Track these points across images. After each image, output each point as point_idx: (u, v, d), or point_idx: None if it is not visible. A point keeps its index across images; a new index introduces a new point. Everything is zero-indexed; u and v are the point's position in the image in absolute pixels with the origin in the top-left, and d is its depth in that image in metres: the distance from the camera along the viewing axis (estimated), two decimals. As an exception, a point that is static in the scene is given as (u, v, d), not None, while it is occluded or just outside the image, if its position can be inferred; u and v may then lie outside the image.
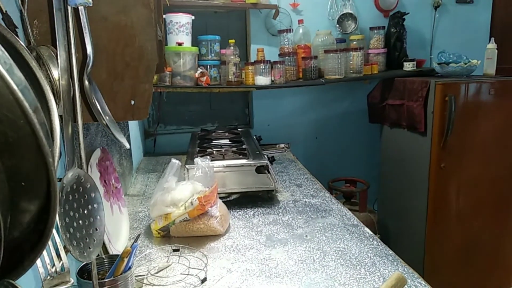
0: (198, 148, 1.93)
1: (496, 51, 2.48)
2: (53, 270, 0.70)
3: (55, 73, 0.75)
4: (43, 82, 0.64)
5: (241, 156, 1.76)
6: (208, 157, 1.63)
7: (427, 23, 2.97)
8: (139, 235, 1.26)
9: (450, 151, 2.30)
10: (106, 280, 0.88)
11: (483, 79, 2.37)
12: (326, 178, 2.66)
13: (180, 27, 2.23)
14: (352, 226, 1.40)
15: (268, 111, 2.84)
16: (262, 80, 2.39)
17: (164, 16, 2.03)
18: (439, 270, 2.41)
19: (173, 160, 1.42)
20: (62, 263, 0.71)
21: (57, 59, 0.74)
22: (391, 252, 1.21)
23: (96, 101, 0.83)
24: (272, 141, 2.59)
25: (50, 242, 0.65)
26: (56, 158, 0.65)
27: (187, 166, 1.60)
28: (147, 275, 1.10)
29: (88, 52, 0.81)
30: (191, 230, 1.33)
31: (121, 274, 0.90)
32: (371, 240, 1.29)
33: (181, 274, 1.11)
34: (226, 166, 1.64)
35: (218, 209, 1.36)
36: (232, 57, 2.37)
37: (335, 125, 2.96)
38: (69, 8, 0.76)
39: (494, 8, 3.03)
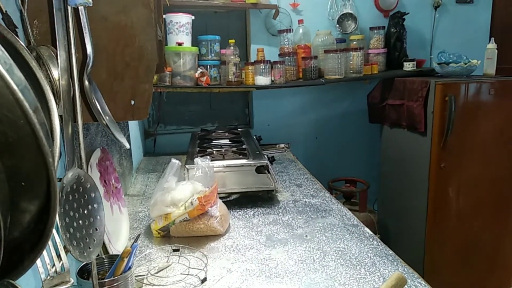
0: (198, 148, 1.93)
1: (496, 51, 2.48)
2: (53, 270, 0.70)
3: (55, 73, 0.75)
4: (43, 82, 0.64)
5: (241, 156, 1.76)
6: (208, 157, 1.63)
7: (427, 23, 2.97)
8: (139, 235, 1.26)
9: (450, 151, 2.30)
10: (106, 280, 0.88)
11: (483, 79, 2.37)
12: (326, 178, 2.66)
13: (180, 27, 2.23)
14: (352, 226, 1.40)
15: (268, 111, 2.84)
16: (262, 80, 2.39)
17: (164, 16, 2.03)
18: (439, 270, 2.41)
19: (173, 160, 1.42)
20: (62, 263, 0.71)
21: (57, 59, 0.74)
22: (391, 252, 1.21)
23: (96, 101, 0.83)
24: (272, 141, 2.59)
25: (50, 242, 0.65)
26: (56, 158, 0.65)
27: (187, 166, 1.60)
28: (147, 275, 1.10)
29: (88, 52, 0.81)
30: (191, 230, 1.33)
31: (121, 274, 0.90)
32: (371, 240, 1.29)
33: (181, 274, 1.11)
34: (226, 166, 1.64)
35: (218, 209, 1.36)
36: (232, 57, 2.37)
37: (335, 125, 2.96)
38: (69, 8, 0.76)
39: (494, 8, 3.03)
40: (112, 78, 0.89)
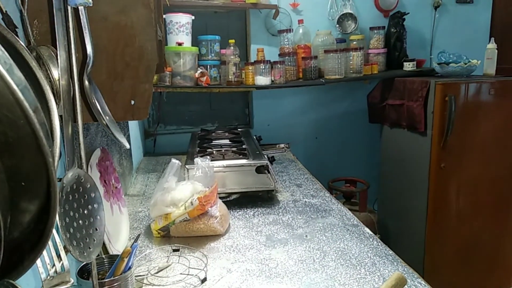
0: (198, 148, 1.93)
1: (496, 51, 2.48)
2: (53, 270, 0.70)
3: (55, 73, 0.75)
4: (43, 82, 0.64)
5: (241, 156, 1.76)
6: (208, 157, 1.63)
7: (427, 23, 2.97)
8: (139, 235, 1.26)
9: (450, 151, 2.30)
10: (106, 280, 0.88)
11: (483, 79, 2.37)
12: (326, 178, 2.66)
13: (180, 27, 2.23)
14: (352, 226, 1.40)
15: (268, 111, 2.84)
16: (262, 80, 2.39)
17: (164, 16, 2.03)
18: (439, 270, 2.41)
19: (173, 160, 1.42)
20: (62, 263, 0.71)
21: (57, 59, 0.74)
22: (391, 252, 1.21)
23: (96, 101, 0.83)
24: (272, 141, 2.59)
25: (50, 242, 0.65)
26: (56, 158, 0.65)
27: (187, 166, 1.60)
28: (147, 275, 1.10)
29: (88, 52, 0.81)
30: (191, 230, 1.33)
31: (121, 274, 0.90)
32: (371, 240, 1.29)
33: (181, 274, 1.11)
34: (226, 166, 1.64)
35: (218, 209, 1.36)
36: (232, 57, 2.37)
37: (335, 125, 2.96)
38: (69, 8, 0.76)
39: (494, 8, 3.03)
40: (112, 78, 0.89)
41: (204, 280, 1.07)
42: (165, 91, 2.56)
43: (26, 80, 0.45)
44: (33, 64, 0.63)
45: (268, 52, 2.60)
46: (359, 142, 3.01)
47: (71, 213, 0.68)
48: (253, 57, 2.67)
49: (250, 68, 2.40)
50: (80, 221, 0.69)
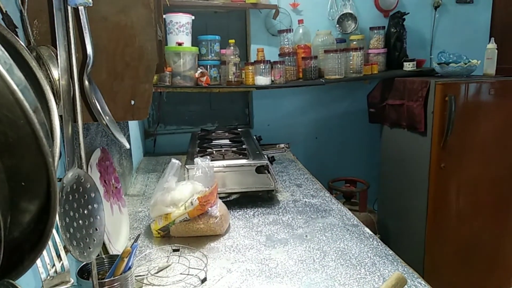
0: (198, 148, 1.93)
1: (496, 51, 2.48)
2: (53, 270, 0.70)
3: (55, 73, 0.75)
4: (43, 82, 0.64)
5: (241, 156, 1.76)
6: (208, 157, 1.63)
7: (427, 23, 2.97)
8: (139, 235, 1.26)
9: (450, 151, 2.30)
10: (106, 280, 0.88)
11: (483, 79, 2.37)
12: (326, 178, 2.66)
13: (180, 27, 2.23)
14: (352, 226, 1.40)
15: (268, 111, 2.84)
16: (262, 80, 2.39)
17: (164, 16, 2.03)
18: (439, 270, 2.41)
19: (173, 160, 1.42)
20: (62, 263, 0.71)
21: (57, 59, 0.74)
22: (391, 252, 1.21)
23: (96, 101, 0.83)
24: (272, 141, 2.59)
25: (50, 242, 0.65)
26: (56, 158, 0.65)
27: (187, 166, 1.60)
28: (147, 275, 1.10)
29: (88, 52, 0.81)
30: (191, 230, 1.33)
31: (121, 274, 0.90)
32: (371, 240, 1.29)
33: (181, 274, 1.11)
34: (226, 166, 1.64)
35: (218, 209, 1.36)
36: (232, 57, 2.37)
37: (335, 125, 2.96)
38: (69, 8, 0.76)
39: (494, 8, 3.03)
40: (112, 78, 0.89)
41: (204, 280, 1.07)
42: (165, 91, 2.56)
43: (26, 80, 0.45)
44: (33, 64, 0.63)
45: (268, 52, 2.60)
46: (359, 142, 3.01)
47: (71, 213, 0.68)
48: (253, 57, 2.67)
49: (250, 68, 2.40)
50: (80, 221, 0.69)
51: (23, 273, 0.48)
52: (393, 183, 2.72)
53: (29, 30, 0.80)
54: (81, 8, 0.78)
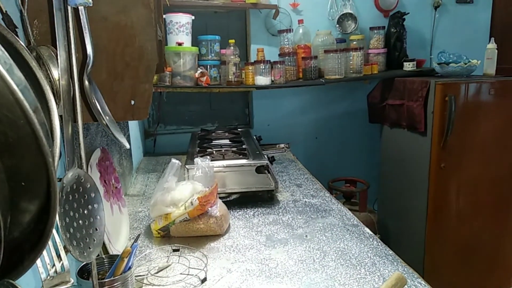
0: (198, 148, 1.93)
1: (496, 51, 2.48)
2: (53, 270, 0.70)
3: (55, 73, 0.75)
4: (43, 82, 0.64)
5: (241, 156, 1.76)
6: (208, 157, 1.63)
7: (427, 23, 2.97)
8: (139, 235, 1.26)
9: (450, 151, 2.30)
10: (106, 280, 0.88)
11: (483, 79, 2.37)
12: (326, 178, 2.66)
13: (180, 27, 2.23)
14: (352, 226, 1.40)
15: (268, 111, 2.84)
16: (262, 80, 2.39)
17: (164, 16, 2.03)
18: (439, 270, 2.41)
19: (173, 160, 1.42)
20: (62, 263, 0.71)
21: (57, 59, 0.75)
22: (391, 252, 1.21)
23: (96, 101, 0.83)
24: (272, 141, 2.59)
25: (50, 242, 0.65)
26: (56, 158, 0.65)
27: (187, 166, 1.60)
28: (147, 275, 1.10)
29: (88, 52, 0.81)
30: (191, 230, 1.33)
31: (121, 274, 0.90)
32: (371, 240, 1.29)
33: (181, 274, 1.11)
34: (226, 166, 1.64)
35: (218, 209, 1.36)
36: (232, 57, 2.37)
37: (335, 125, 2.96)
38: (69, 8, 0.76)
39: (494, 8, 3.03)
40: (112, 78, 0.89)
41: (204, 280, 1.07)
42: (165, 91, 2.56)
43: (26, 80, 0.45)
44: (33, 64, 0.63)
45: (268, 52, 2.60)
46: (359, 142, 3.01)
47: (71, 213, 0.68)
48: (253, 57, 2.67)
49: (250, 68, 2.40)
50: (80, 221, 0.69)
51: (23, 273, 0.48)
52: (393, 183, 2.72)
53: (29, 30, 0.80)
54: (81, 8, 0.78)
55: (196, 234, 1.34)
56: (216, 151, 1.86)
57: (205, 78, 2.31)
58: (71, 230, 0.67)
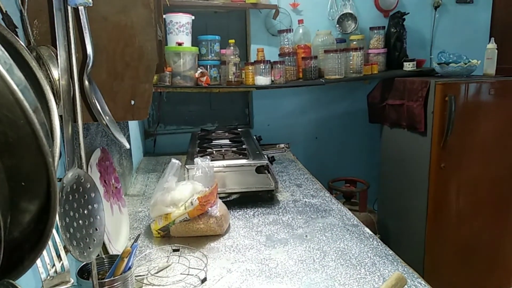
0: (198, 148, 1.93)
1: (496, 51, 2.48)
2: (53, 270, 0.70)
3: (55, 73, 0.75)
4: (43, 82, 0.64)
5: (241, 156, 1.76)
6: (208, 157, 1.63)
7: (427, 23, 2.97)
8: (139, 235, 1.26)
9: (450, 151, 2.30)
10: (106, 280, 0.88)
11: (483, 79, 2.37)
12: (326, 178, 2.66)
13: (180, 27, 2.23)
14: (352, 226, 1.40)
15: (268, 111, 2.84)
16: (262, 80, 2.39)
17: (164, 16, 2.02)
18: (439, 270, 2.41)
19: (173, 160, 1.42)
20: (62, 263, 0.71)
21: (57, 59, 0.75)
22: (391, 252, 1.21)
23: (96, 101, 0.83)
24: (272, 141, 2.59)
25: (50, 242, 0.65)
26: (56, 158, 0.65)
27: (187, 166, 1.60)
28: (147, 275, 1.10)
29: (88, 52, 0.81)
30: (191, 230, 1.33)
31: (121, 274, 0.90)
32: (371, 240, 1.29)
33: (181, 274, 1.11)
34: (226, 166, 1.64)
35: (218, 209, 1.36)
36: (232, 57, 2.37)
37: (335, 125, 2.96)
38: (69, 8, 0.76)
39: (494, 8, 3.03)
40: (112, 78, 0.89)
41: (204, 280, 1.07)
42: (165, 91, 2.56)
43: (26, 80, 0.45)
44: (33, 64, 0.63)
45: (268, 52, 2.60)
46: (359, 142, 3.01)
47: (71, 213, 0.68)
48: (253, 57, 2.67)
49: (250, 68, 2.40)
50: (80, 221, 0.69)
51: (23, 273, 0.48)
52: (393, 183, 2.72)
53: (29, 30, 0.80)
54: (81, 8, 0.78)
55: (196, 234, 1.34)
56: (216, 151, 1.86)
57: (205, 78, 2.31)
58: (71, 230, 0.67)
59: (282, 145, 2.57)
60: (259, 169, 1.64)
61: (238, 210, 1.57)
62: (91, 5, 0.77)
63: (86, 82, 0.82)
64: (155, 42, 0.90)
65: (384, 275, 1.08)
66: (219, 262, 1.18)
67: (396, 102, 2.57)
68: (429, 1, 2.94)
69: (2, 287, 0.46)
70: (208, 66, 2.41)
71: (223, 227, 1.36)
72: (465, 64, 2.44)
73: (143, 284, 1.06)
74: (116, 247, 1.14)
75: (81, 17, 0.79)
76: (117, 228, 1.27)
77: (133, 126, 2.24)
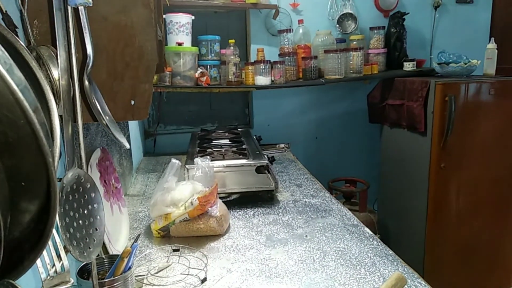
0: (198, 148, 1.93)
1: (496, 51, 2.48)
2: (53, 270, 0.70)
3: (55, 73, 0.75)
4: (43, 82, 0.64)
5: (241, 156, 1.76)
6: (208, 157, 1.63)
7: (427, 23, 2.97)
8: (139, 235, 1.26)
9: (450, 151, 2.30)
10: (106, 280, 0.88)
11: (483, 79, 2.37)
12: (326, 178, 2.66)
13: (180, 27, 2.23)
14: (352, 226, 1.40)
15: (268, 111, 2.84)
16: (262, 80, 2.39)
17: (164, 16, 2.02)
18: (439, 270, 2.41)
19: (173, 160, 1.42)
20: (62, 263, 0.71)
21: (57, 59, 0.75)
22: (391, 252, 1.21)
23: (96, 101, 0.83)
24: (272, 141, 2.59)
25: (50, 242, 0.65)
26: (56, 158, 0.65)
27: (187, 166, 1.60)
28: (147, 275, 1.10)
29: (88, 52, 0.81)
30: (191, 230, 1.33)
31: (121, 274, 0.90)
32: (371, 240, 1.29)
33: (181, 274, 1.11)
34: (226, 166, 1.64)
35: (218, 209, 1.36)
36: (232, 57, 2.37)
37: (335, 125, 2.96)
38: (69, 8, 0.76)
39: (494, 8, 3.03)
40: (112, 78, 0.89)
41: (204, 280, 1.07)
42: (165, 91, 2.56)
43: (26, 80, 0.45)
44: (33, 64, 0.63)
45: (268, 52, 2.60)
46: (359, 142, 3.01)
47: (71, 213, 0.68)
48: (253, 57, 2.67)
49: (250, 68, 2.40)
50: (80, 221, 0.69)
51: (23, 273, 0.48)
52: (393, 183, 2.72)
53: (29, 30, 0.80)
54: (81, 8, 0.78)
55: (196, 234, 1.34)
56: (216, 151, 1.86)
57: (205, 78, 2.31)
58: (71, 230, 0.67)
59: (282, 145, 2.57)
60: (259, 169, 1.64)
61: (238, 210, 1.57)
62: (91, 5, 0.77)
63: (86, 82, 0.82)
64: (155, 42, 0.90)
65: (384, 275, 1.08)
66: (219, 262, 1.18)
67: (396, 102, 2.57)
68: (429, 1, 2.94)
69: (2, 287, 0.46)
70: (208, 66, 2.41)
71: (223, 227, 1.36)
72: (465, 64, 2.44)
73: (143, 284, 1.06)
74: (116, 247, 1.14)
75: (81, 17, 0.79)
76: (117, 228, 1.27)
77: (133, 126, 2.24)
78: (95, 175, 1.16)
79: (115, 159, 1.53)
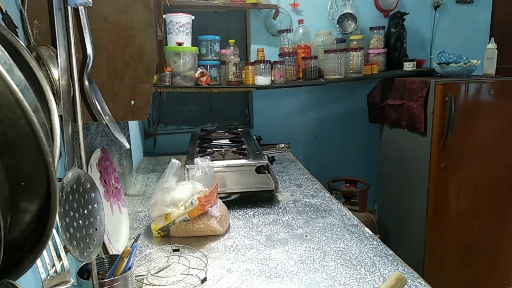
0: (198, 148, 1.93)
1: (496, 51, 2.48)
2: (53, 270, 0.70)
3: (55, 73, 0.75)
4: (43, 82, 0.64)
5: (241, 156, 1.76)
6: (208, 157, 1.63)
7: (427, 23, 2.97)
8: (139, 235, 1.26)
9: (450, 151, 2.30)
10: (106, 280, 0.88)
11: (483, 79, 2.37)
12: (326, 178, 2.66)
13: (180, 27, 2.23)
14: (352, 226, 1.40)
15: (268, 111, 2.84)
16: (262, 80, 2.39)
17: (164, 16, 2.02)
18: (439, 270, 2.41)
19: (173, 160, 1.42)
20: (62, 263, 0.71)
21: (57, 59, 0.75)
22: (391, 252, 1.21)
23: (96, 101, 0.83)
24: (272, 141, 2.59)
25: (50, 242, 0.65)
26: (56, 158, 0.65)
27: (187, 166, 1.60)
28: (147, 275, 1.10)
29: (88, 52, 0.81)
30: (191, 230, 1.33)
31: (121, 274, 0.90)
32: (371, 240, 1.29)
33: (181, 274, 1.11)
34: (226, 166, 1.64)
35: (218, 209, 1.36)
36: (232, 57, 2.37)
37: (335, 125, 2.96)
38: (69, 8, 0.76)
39: (494, 8, 3.03)
40: (112, 78, 0.89)
41: (204, 280, 1.07)
42: (165, 91, 2.56)
43: (26, 80, 0.45)
44: (33, 64, 0.63)
45: (268, 52, 2.60)
46: (359, 142, 3.01)
47: (71, 213, 0.68)
48: (253, 57, 2.67)
49: (250, 68, 2.40)
50: (80, 221, 0.69)
51: (23, 273, 0.48)
52: (393, 183, 2.72)
53: (29, 30, 0.80)
54: (81, 8, 0.78)
55: (196, 234, 1.34)
56: (216, 151, 1.86)
57: (205, 78, 2.31)
58: (71, 230, 0.67)
59: (282, 145, 2.57)
60: (259, 169, 1.64)
61: (238, 210, 1.57)
62: (91, 5, 0.77)
63: (86, 82, 0.82)
64: (155, 42, 0.90)
65: (384, 275, 1.08)
66: (219, 262, 1.18)
67: (396, 102, 2.57)
68: (429, 1, 2.94)
69: (2, 287, 0.46)
70: (208, 66, 2.41)
71: (223, 227, 1.36)
72: (465, 64, 2.44)
73: (143, 284, 1.06)
74: (116, 247, 1.14)
75: (81, 17, 0.79)
76: (117, 228, 1.27)
77: (133, 126, 2.24)
78: (95, 175, 1.16)
79: (115, 159, 1.53)
